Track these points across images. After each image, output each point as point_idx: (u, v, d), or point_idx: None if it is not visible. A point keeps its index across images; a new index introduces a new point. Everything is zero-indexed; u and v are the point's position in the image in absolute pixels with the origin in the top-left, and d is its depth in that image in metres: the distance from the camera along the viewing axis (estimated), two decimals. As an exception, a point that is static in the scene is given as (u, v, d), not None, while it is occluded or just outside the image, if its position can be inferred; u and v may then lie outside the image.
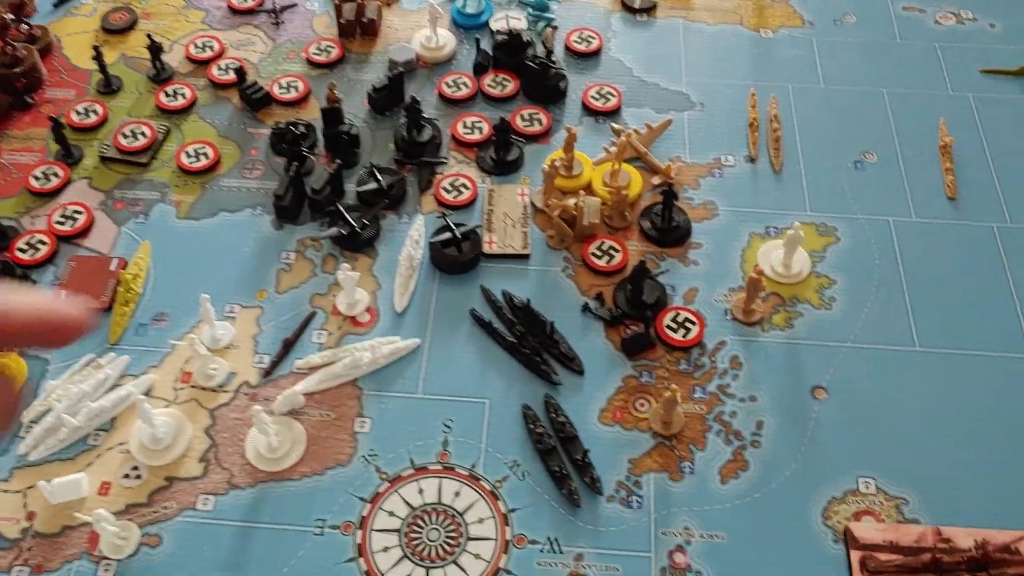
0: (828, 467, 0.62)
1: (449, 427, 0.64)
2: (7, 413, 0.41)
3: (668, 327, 0.68)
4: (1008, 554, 0.58)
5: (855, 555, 0.58)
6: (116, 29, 0.89)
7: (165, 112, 0.82)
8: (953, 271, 0.73)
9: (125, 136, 0.79)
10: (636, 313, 0.69)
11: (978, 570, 0.57)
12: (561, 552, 0.58)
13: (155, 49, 0.84)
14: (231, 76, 0.84)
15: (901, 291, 0.71)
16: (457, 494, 0.61)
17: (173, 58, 0.87)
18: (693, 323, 0.68)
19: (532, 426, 0.63)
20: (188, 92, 0.83)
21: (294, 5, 0.92)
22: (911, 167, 0.79)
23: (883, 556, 0.58)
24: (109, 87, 0.84)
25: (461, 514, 0.60)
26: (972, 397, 0.66)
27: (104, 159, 0.79)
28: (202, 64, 0.86)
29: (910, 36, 0.90)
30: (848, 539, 0.59)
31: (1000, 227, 0.75)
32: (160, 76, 0.85)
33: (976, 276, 0.72)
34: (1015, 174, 0.79)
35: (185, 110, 0.83)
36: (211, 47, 0.87)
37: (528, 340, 0.67)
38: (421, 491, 0.61)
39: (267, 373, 0.66)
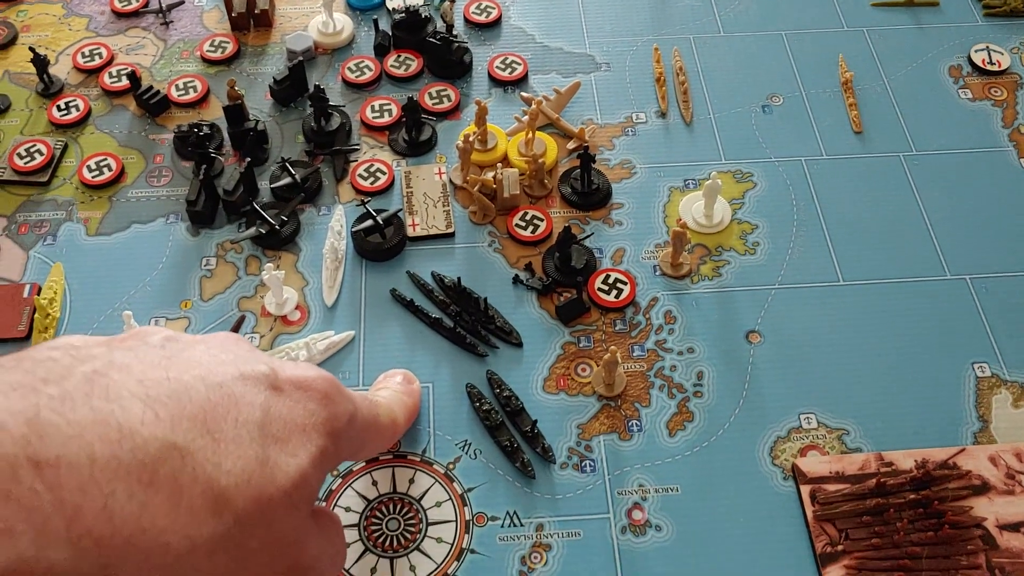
0: (770, 408, 0.64)
1: (395, 415, 0.63)
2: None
3: (600, 290, 0.69)
4: (947, 470, 0.60)
5: (805, 489, 0.60)
6: (-4, 45, 0.85)
7: (60, 127, 0.79)
8: (867, 203, 0.75)
9: (20, 156, 0.76)
10: (567, 280, 0.69)
11: (921, 488, 0.59)
12: (521, 525, 0.59)
13: (40, 62, 0.80)
14: (124, 83, 0.81)
15: (821, 229, 0.73)
16: (411, 481, 0.61)
17: (61, 70, 0.84)
18: (624, 283, 0.69)
19: (478, 404, 0.63)
20: (81, 104, 0.80)
21: (181, 3, 0.89)
22: (816, 106, 0.81)
23: (831, 487, 0.60)
24: (-4, 107, 0.81)
25: (418, 500, 0.60)
26: (898, 323, 0.68)
27: (1, 183, 0.75)
28: (92, 73, 0.83)
29: (801, -23, 0.92)
30: (796, 475, 0.61)
31: (906, 155, 0.78)
32: (49, 90, 0.81)
33: (889, 206, 0.74)
34: (914, 103, 0.81)
35: (81, 122, 0.80)
36: (99, 54, 0.84)
37: (464, 318, 0.67)
38: (375, 483, 0.61)
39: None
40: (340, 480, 0.60)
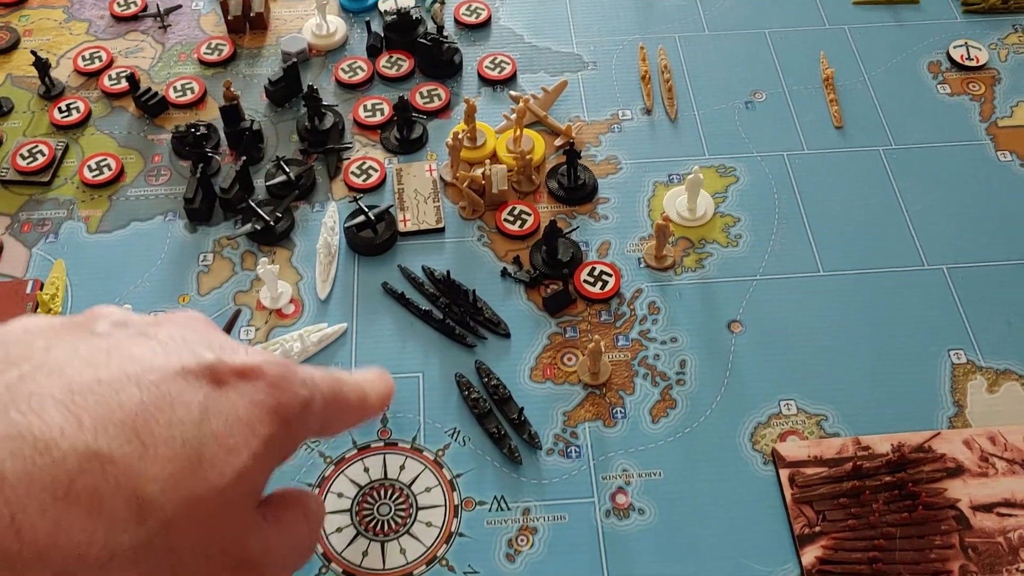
0: (751, 395, 0.66)
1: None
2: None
3: (586, 281, 0.70)
4: (923, 453, 0.62)
5: (784, 473, 0.62)
6: (-2, 50, 0.88)
7: (61, 128, 0.81)
8: (847, 196, 0.76)
9: (23, 157, 0.78)
10: (554, 272, 0.71)
11: (897, 471, 0.61)
12: (508, 509, 0.61)
13: (42, 66, 0.82)
14: (124, 85, 0.83)
15: (802, 221, 0.75)
16: (402, 467, 0.63)
17: (62, 73, 0.86)
18: (609, 275, 0.71)
19: (467, 392, 0.65)
20: (82, 106, 0.82)
21: (179, 7, 0.91)
22: (798, 102, 0.83)
23: (809, 470, 0.62)
24: (0, 109, 0.83)
25: (408, 486, 0.62)
26: (876, 312, 0.70)
27: (4, 183, 0.78)
28: (92, 76, 0.85)
29: (785, -24, 0.94)
30: (776, 459, 0.62)
31: (885, 150, 0.79)
32: (51, 92, 0.84)
33: (869, 198, 0.76)
34: (893, 98, 0.83)
35: (81, 124, 0.82)
36: (99, 58, 0.86)
37: (454, 310, 0.69)
38: (367, 469, 0.62)
39: (199, 375, 0.67)
40: (333, 467, 0.62)
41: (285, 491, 0.42)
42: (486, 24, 0.89)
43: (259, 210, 0.73)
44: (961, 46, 0.86)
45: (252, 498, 0.38)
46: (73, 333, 0.37)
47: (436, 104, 0.82)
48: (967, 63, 0.85)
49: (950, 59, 0.86)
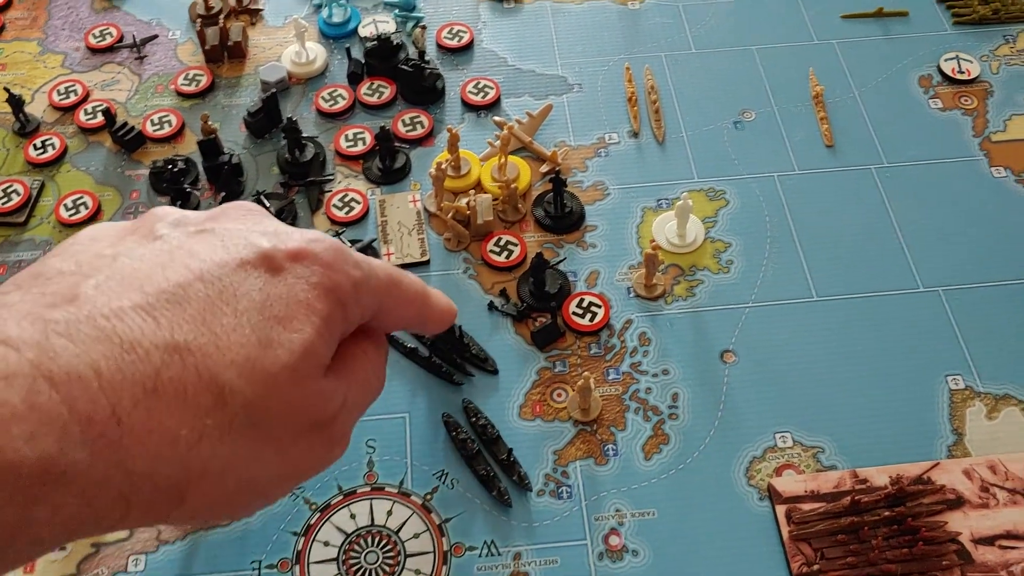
0: (745, 428, 0.64)
1: (372, 447, 0.64)
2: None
3: (574, 313, 0.69)
4: (922, 485, 0.61)
5: (780, 509, 0.60)
6: (-28, 85, 0.86)
7: (36, 166, 0.80)
8: (840, 217, 0.75)
9: (-3, 197, 0.77)
10: (541, 305, 0.69)
11: (896, 505, 0.60)
12: (499, 554, 0.59)
13: (15, 102, 0.81)
14: (100, 119, 0.81)
15: (794, 245, 0.73)
16: (389, 513, 0.61)
17: (37, 108, 0.84)
18: (598, 306, 0.69)
19: (454, 433, 0.64)
20: (58, 142, 0.81)
21: (155, 36, 0.89)
22: (788, 120, 0.82)
23: (806, 506, 0.60)
24: (-27, 147, 0.81)
25: (396, 532, 0.60)
26: (872, 338, 0.68)
27: (-21, 224, 0.76)
28: (68, 111, 0.84)
29: (772, -10, 0.92)
30: (772, 495, 0.61)
31: (877, 168, 0.78)
32: (26, 129, 0.82)
33: (861, 219, 0.75)
34: (884, 114, 0.82)
35: (57, 161, 0.80)
36: (75, 91, 0.85)
37: (440, 347, 0.68)
38: (353, 516, 0.61)
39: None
40: (319, 514, 0.61)
41: (347, 342, 0.46)
42: (469, 47, 0.88)
43: (239, 247, 0.71)
44: (952, 59, 0.85)
45: (319, 368, 0.42)
46: (136, 237, 0.41)
47: (419, 132, 0.81)
48: (958, 76, 0.84)
49: (941, 72, 0.84)
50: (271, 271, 0.41)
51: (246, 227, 0.43)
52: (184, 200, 0.74)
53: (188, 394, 0.36)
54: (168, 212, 0.44)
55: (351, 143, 0.80)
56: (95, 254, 0.39)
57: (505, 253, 0.72)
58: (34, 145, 0.81)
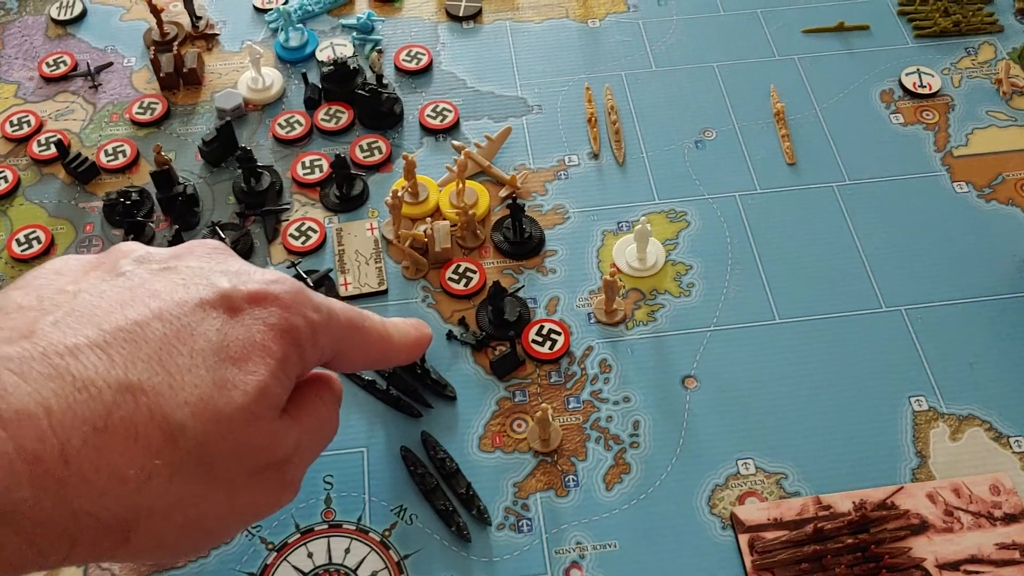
0: (707, 455, 0.63)
1: (330, 483, 0.63)
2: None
3: (534, 341, 0.68)
4: (885, 510, 0.60)
5: (743, 538, 0.59)
6: (-78, 118, 0.84)
7: (-11, 200, 0.79)
8: (802, 237, 0.74)
9: (-52, 233, 0.75)
10: (501, 333, 0.68)
11: (859, 532, 0.59)
12: (458, 592, 0.58)
13: (-34, 135, 0.79)
14: (53, 151, 0.80)
15: (756, 266, 0.73)
16: (347, 551, 0.60)
17: (-11, 140, 0.83)
18: (558, 333, 0.68)
19: (413, 468, 0.63)
20: (10, 175, 0.79)
21: (110, 64, 0.88)
22: (749, 138, 0.81)
23: (769, 534, 0.60)
24: (-76, 182, 0.80)
25: (354, 571, 0.59)
26: (835, 360, 0.67)
27: (-71, 261, 0.75)
28: (21, 142, 0.82)
29: (732, 6, 0.92)
30: (735, 524, 0.60)
31: (839, 186, 0.77)
32: (-23, 162, 0.81)
33: (823, 238, 0.74)
34: (845, 131, 0.81)
35: (9, 194, 0.79)
36: (28, 122, 0.83)
37: (399, 376, 0.67)
38: (311, 555, 0.60)
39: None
40: (275, 554, 0.60)
41: (302, 385, 0.47)
42: (427, 70, 0.87)
43: (194, 280, 0.70)
44: (913, 73, 0.84)
45: (274, 409, 0.42)
46: (100, 272, 0.41)
47: (377, 158, 0.80)
48: (920, 91, 0.83)
49: (902, 87, 0.84)
50: (230, 312, 0.41)
51: (209, 266, 0.43)
52: (138, 232, 0.73)
53: (139, 433, 0.36)
54: (133, 248, 0.44)
55: (308, 170, 0.79)
56: (57, 289, 0.40)
57: (464, 280, 0.71)
58: (-14, 179, 0.79)
